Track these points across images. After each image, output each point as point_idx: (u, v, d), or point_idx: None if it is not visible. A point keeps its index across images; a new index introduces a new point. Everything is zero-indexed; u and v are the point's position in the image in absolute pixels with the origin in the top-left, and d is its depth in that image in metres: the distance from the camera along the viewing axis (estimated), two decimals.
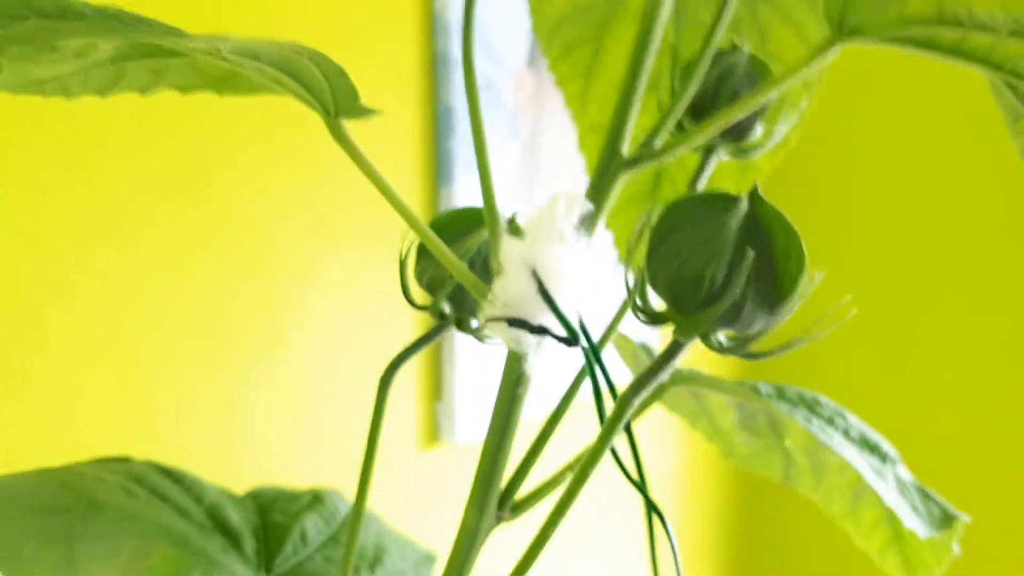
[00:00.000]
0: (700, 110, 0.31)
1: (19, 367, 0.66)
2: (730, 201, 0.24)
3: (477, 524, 0.29)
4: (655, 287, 0.24)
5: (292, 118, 0.78)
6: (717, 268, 0.23)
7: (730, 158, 0.32)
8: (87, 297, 0.69)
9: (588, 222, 0.28)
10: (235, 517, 0.38)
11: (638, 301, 0.25)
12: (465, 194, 0.90)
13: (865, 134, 1.20)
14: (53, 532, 0.35)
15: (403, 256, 0.33)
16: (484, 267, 0.31)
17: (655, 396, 0.34)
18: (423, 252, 0.33)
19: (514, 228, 0.31)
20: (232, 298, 0.78)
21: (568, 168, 0.99)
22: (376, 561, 0.42)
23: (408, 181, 0.89)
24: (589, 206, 0.27)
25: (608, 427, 0.25)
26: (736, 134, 0.31)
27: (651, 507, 0.27)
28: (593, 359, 0.27)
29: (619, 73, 0.43)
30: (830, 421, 0.36)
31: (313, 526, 0.40)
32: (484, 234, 0.32)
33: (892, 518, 0.41)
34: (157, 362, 0.73)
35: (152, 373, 0.73)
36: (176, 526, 0.36)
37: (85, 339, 0.69)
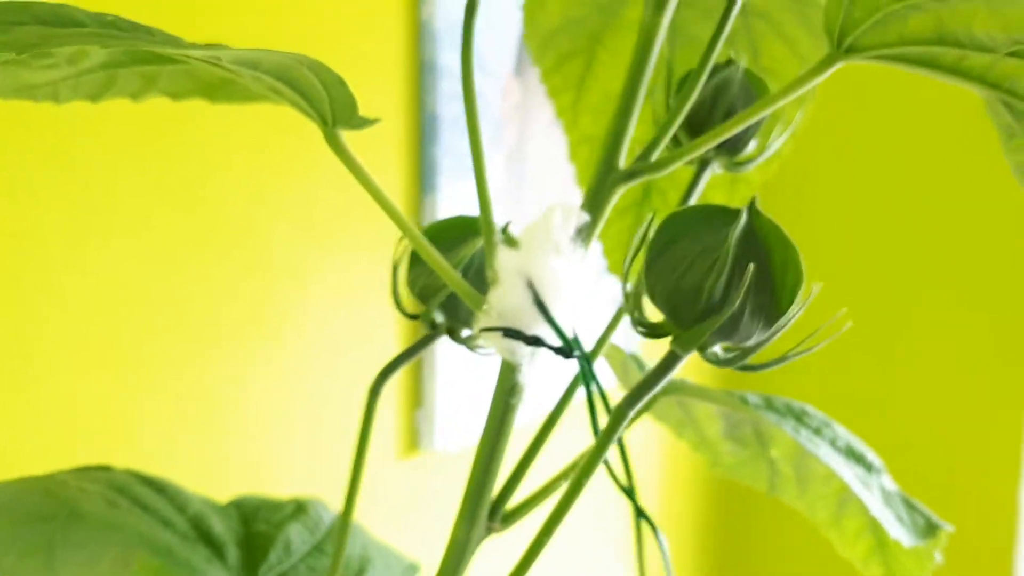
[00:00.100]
0: (696, 123, 0.31)
1: (7, 369, 0.65)
2: (729, 214, 0.24)
3: (468, 534, 0.29)
4: (653, 299, 0.25)
5: (286, 123, 0.78)
6: (716, 281, 0.23)
7: (724, 171, 0.33)
8: (77, 299, 0.68)
9: (584, 233, 0.28)
10: (219, 527, 0.38)
11: (635, 313, 0.25)
12: (449, 202, 0.90)
13: (852, 147, 1.21)
14: (34, 541, 0.35)
15: (395, 264, 0.33)
16: (477, 276, 0.31)
17: (647, 406, 0.34)
18: (415, 260, 0.33)
19: (508, 238, 0.31)
20: (223, 303, 0.77)
21: (554, 177, 1.00)
22: (360, 572, 0.41)
23: (392, 189, 0.89)
24: (585, 217, 0.27)
25: (604, 437, 0.25)
26: (731, 147, 0.32)
27: (640, 514, 0.27)
28: (588, 370, 0.27)
29: (611, 85, 0.44)
30: (817, 431, 0.36)
31: (297, 536, 0.40)
32: (477, 243, 0.32)
33: (876, 527, 0.42)
34: (145, 367, 0.73)
35: (139, 378, 0.73)
36: (159, 536, 0.36)
37: (74, 342, 0.68)
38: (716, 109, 0.31)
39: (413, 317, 0.33)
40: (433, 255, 0.29)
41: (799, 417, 0.36)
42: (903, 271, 1.21)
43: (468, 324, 0.33)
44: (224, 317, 0.78)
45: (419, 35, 0.88)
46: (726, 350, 0.25)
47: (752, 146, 0.33)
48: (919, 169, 1.19)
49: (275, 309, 0.81)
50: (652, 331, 0.25)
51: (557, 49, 0.44)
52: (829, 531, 0.44)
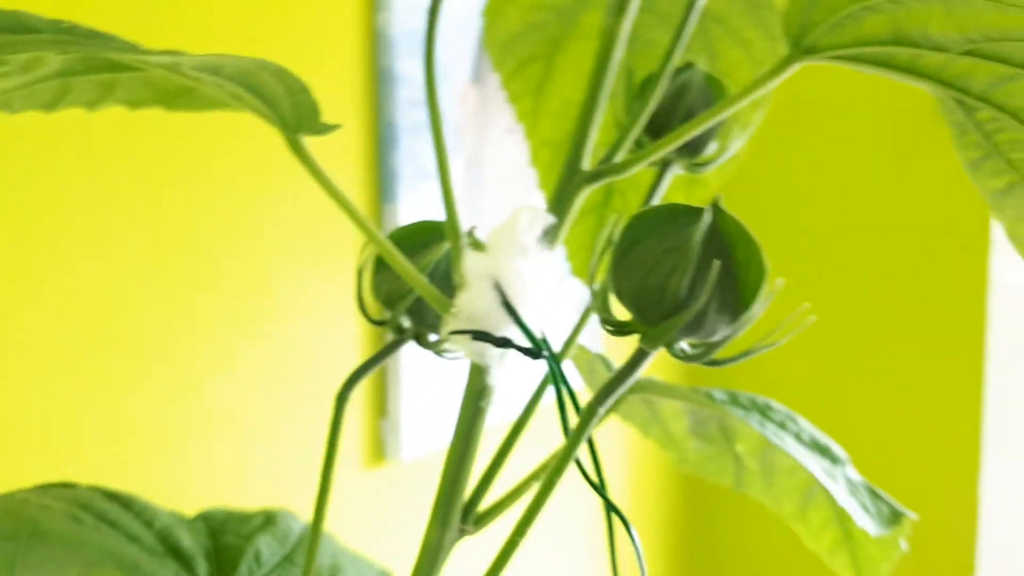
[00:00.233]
0: (656, 126, 0.32)
1: None
2: (693, 213, 0.24)
3: (440, 537, 0.29)
4: (620, 298, 0.25)
5: (244, 132, 0.77)
6: (681, 279, 0.23)
7: (685, 172, 0.33)
8: (24, 314, 0.67)
9: (550, 235, 0.29)
10: (187, 540, 0.38)
11: (603, 312, 0.25)
12: (409, 210, 0.90)
13: (807, 145, 1.23)
14: None
15: (359, 270, 0.33)
16: (444, 280, 0.32)
17: (614, 405, 0.35)
18: (380, 266, 0.33)
19: (474, 242, 0.31)
20: (178, 314, 0.76)
21: (513, 183, 1.00)
22: None
23: (351, 198, 0.89)
24: (551, 219, 0.28)
25: (575, 436, 0.25)
26: (691, 149, 0.32)
27: (611, 510, 0.28)
28: (556, 370, 0.27)
29: (570, 90, 0.44)
30: (782, 425, 0.37)
31: (267, 547, 0.40)
32: (443, 248, 0.32)
33: (841, 518, 0.42)
34: (99, 380, 0.72)
35: (93, 391, 0.71)
36: (126, 552, 0.35)
37: (20, 359, 0.67)
38: (676, 112, 0.31)
39: (379, 323, 0.33)
40: (399, 260, 0.29)
41: (764, 411, 0.37)
42: (859, 265, 1.23)
43: (435, 329, 0.33)
44: (181, 328, 0.77)
45: (375, 43, 0.88)
46: (693, 346, 0.25)
47: (712, 148, 0.33)
48: (871, 166, 1.21)
49: (233, 320, 0.80)
50: (620, 329, 0.25)
51: (516, 55, 0.45)
52: (795, 524, 0.45)
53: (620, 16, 0.29)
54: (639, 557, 0.27)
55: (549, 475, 0.25)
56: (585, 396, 0.29)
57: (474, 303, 0.27)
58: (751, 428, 0.41)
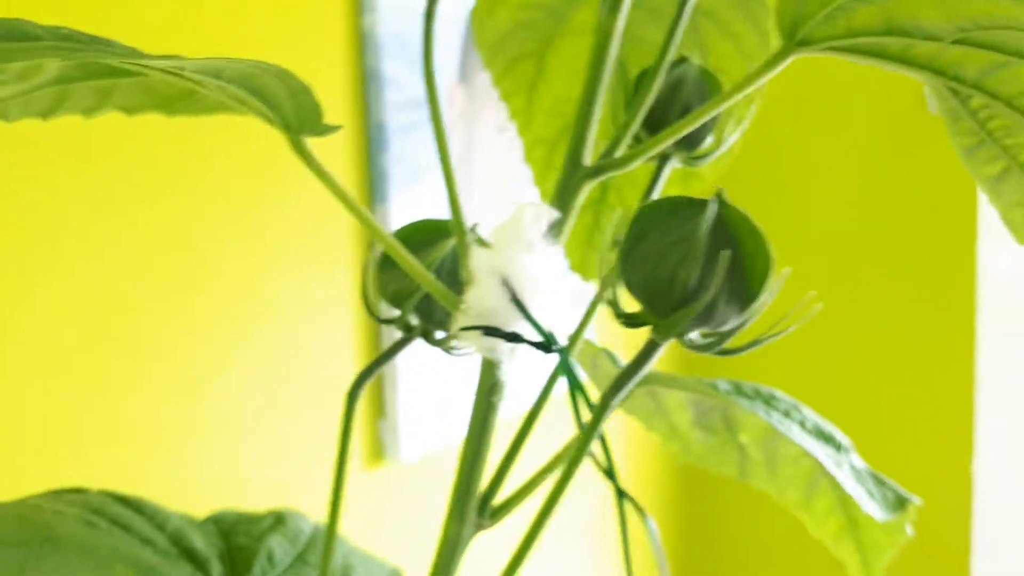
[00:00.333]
0: (653, 121, 0.32)
1: None
2: (698, 205, 0.25)
3: (458, 532, 0.29)
4: (630, 290, 0.25)
5: (241, 137, 0.77)
6: (690, 270, 0.24)
7: (683, 166, 0.34)
8: (23, 316, 0.67)
9: (555, 230, 0.29)
10: (200, 543, 0.38)
11: (615, 305, 0.25)
12: (401, 212, 0.90)
13: (801, 138, 1.24)
14: (6, 568, 0.34)
15: (364, 270, 0.33)
16: (449, 278, 0.32)
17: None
18: (385, 265, 0.34)
19: (478, 240, 0.31)
20: (173, 318, 0.76)
21: (502, 182, 1.00)
22: None
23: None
24: (555, 214, 0.28)
25: (591, 427, 0.26)
26: (689, 143, 0.33)
27: (622, 495, 0.28)
28: (567, 364, 0.28)
29: (562, 87, 0.44)
30: (787, 414, 0.37)
31: (279, 547, 0.40)
32: (446, 245, 0.32)
33: (845, 505, 0.43)
34: (98, 382, 0.72)
35: (92, 393, 0.71)
36: (140, 555, 0.36)
37: (19, 360, 0.67)
38: (673, 106, 0.32)
39: (386, 322, 0.33)
40: (407, 258, 0.29)
41: (768, 401, 0.37)
42: (848, 254, 1.24)
43: (442, 326, 0.33)
44: (179, 330, 0.77)
45: (362, 44, 0.88)
46: (703, 336, 0.25)
47: (708, 141, 0.34)
48: (860, 155, 1.22)
49: (230, 322, 0.80)
50: (631, 321, 0.25)
51: (507, 53, 0.45)
52: (800, 512, 0.45)
53: (615, 13, 0.29)
54: (657, 548, 0.27)
55: (566, 468, 0.26)
56: (590, 389, 0.29)
57: (483, 299, 0.27)
58: (755, 418, 0.42)
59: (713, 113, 0.28)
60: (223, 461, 0.81)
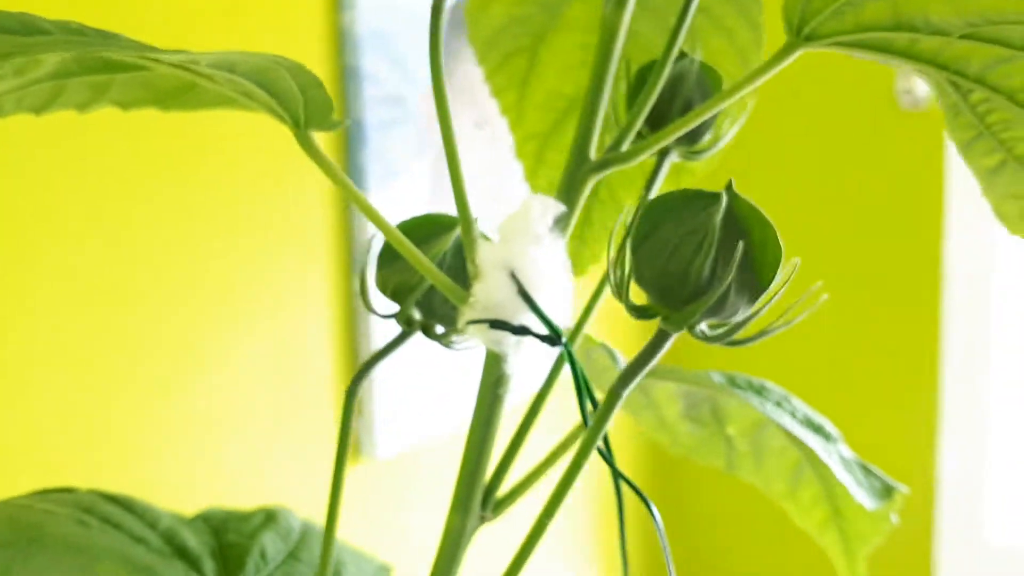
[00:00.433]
0: (654, 115, 0.32)
1: None
2: (707, 197, 0.25)
3: (462, 525, 0.29)
4: (641, 283, 0.25)
5: (228, 137, 0.77)
6: (704, 261, 0.24)
7: (682, 160, 0.34)
8: (3, 320, 0.66)
9: (561, 224, 0.29)
10: (192, 541, 0.38)
11: (626, 297, 0.26)
12: (379, 206, 0.90)
13: (768, 135, 1.25)
14: None
15: (363, 265, 0.33)
16: (451, 272, 0.32)
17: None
18: (385, 260, 0.34)
19: (480, 234, 0.31)
20: (150, 322, 0.75)
21: (480, 181, 1.00)
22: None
23: (319, 196, 0.88)
24: (562, 208, 0.28)
25: (600, 420, 0.26)
26: (689, 138, 0.33)
27: (619, 477, 0.28)
28: (573, 358, 0.28)
29: (555, 82, 0.45)
30: (778, 405, 0.38)
31: (271, 544, 0.40)
32: (447, 240, 0.32)
33: (831, 495, 0.44)
34: (79, 381, 0.70)
35: (74, 392, 0.70)
36: (133, 553, 0.35)
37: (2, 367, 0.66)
38: (674, 102, 0.32)
39: (388, 316, 0.33)
40: (414, 253, 0.29)
41: (760, 392, 0.38)
42: (818, 248, 1.26)
43: (443, 320, 0.33)
44: (152, 331, 0.76)
45: (340, 41, 0.87)
46: (711, 327, 0.26)
47: (707, 136, 0.34)
48: (833, 155, 1.24)
49: (203, 324, 0.80)
50: (641, 313, 0.25)
51: (501, 49, 0.45)
52: (785, 502, 0.46)
53: (621, 7, 0.30)
54: (661, 537, 0.27)
55: (573, 460, 0.26)
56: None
57: (490, 292, 0.27)
58: (744, 409, 0.42)
59: (719, 108, 0.28)
60: (202, 460, 0.80)
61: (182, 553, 0.37)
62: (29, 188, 0.68)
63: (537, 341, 0.28)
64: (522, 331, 0.27)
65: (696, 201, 0.25)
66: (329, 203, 0.89)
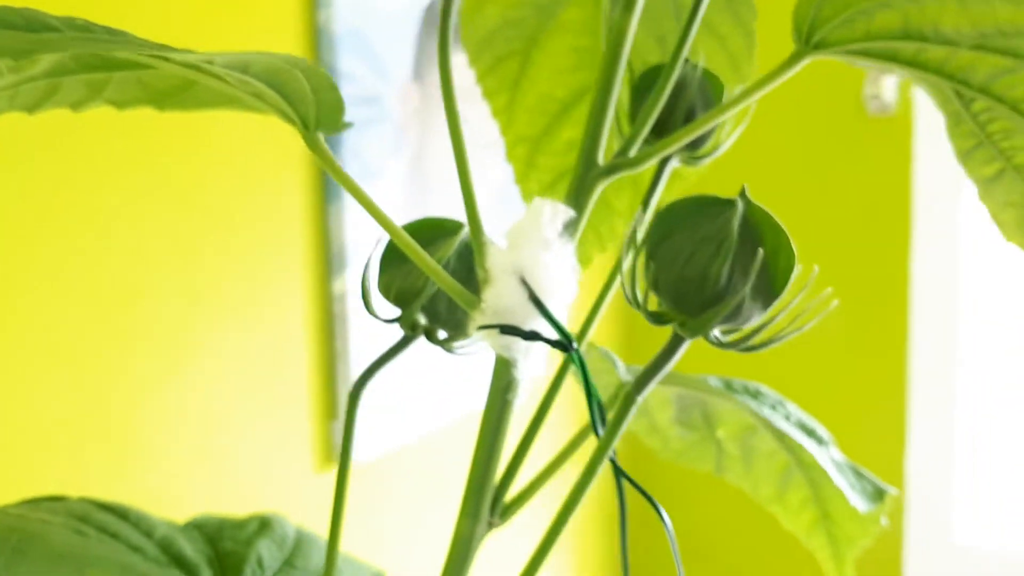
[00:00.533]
0: (657, 121, 0.33)
1: None
2: (721, 203, 0.25)
3: (472, 531, 0.29)
4: (656, 289, 0.26)
5: (217, 137, 0.76)
6: (721, 267, 0.24)
7: (683, 166, 0.34)
8: None
9: (570, 228, 0.29)
10: (188, 549, 0.37)
11: (644, 303, 0.26)
12: (355, 210, 0.89)
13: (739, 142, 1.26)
14: None
15: (365, 269, 0.33)
16: (456, 276, 0.32)
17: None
18: (387, 265, 0.33)
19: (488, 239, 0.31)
20: (116, 324, 0.74)
21: (452, 182, 1.00)
22: None
23: (294, 198, 0.88)
24: (571, 213, 0.28)
25: (614, 424, 0.26)
26: (692, 142, 0.33)
27: (621, 482, 0.28)
28: (582, 362, 0.28)
29: (547, 85, 0.45)
30: (773, 409, 0.38)
31: (268, 552, 0.39)
32: (451, 244, 0.32)
33: (819, 498, 0.44)
34: (45, 389, 0.69)
35: (38, 400, 0.69)
36: (131, 562, 0.35)
37: None
38: (677, 107, 0.32)
39: (390, 321, 0.33)
40: (424, 257, 0.29)
41: (755, 396, 0.38)
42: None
43: (446, 325, 0.33)
44: (120, 338, 0.75)
45: (317, 40, 0.87)
46: (723, 333, 0.26)
47: (707, 141, 0.34)
48: (801, 162, 1.26)
49: (173, 329, 0.78)
50: (657, 319, 0.26)
51: (493, 51, 0.45)
52: (773, 506, 0.46)
53: (629, 12, 0.30)
54: (671, 540, 0.27)
55: (587, 466, 0.26)
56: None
57: (501, 298, 0.27)
58: (735, 414, 0.43)
59: (728, 115, 0.28)
60: (170, 466, 0.79)
61: (179, 562, 0.36)
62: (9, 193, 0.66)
63: (547, 346, 0.28)
64: (533, 336, 0.27)
65: (710, 207, 0.25)
66: (303, 203, 0.88)
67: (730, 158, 1.41)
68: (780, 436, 0.41)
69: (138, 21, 0.73)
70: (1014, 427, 1.28)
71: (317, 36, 0.86)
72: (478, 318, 0.27)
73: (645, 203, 0.33)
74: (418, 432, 0.98)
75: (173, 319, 0.78)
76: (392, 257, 0.33)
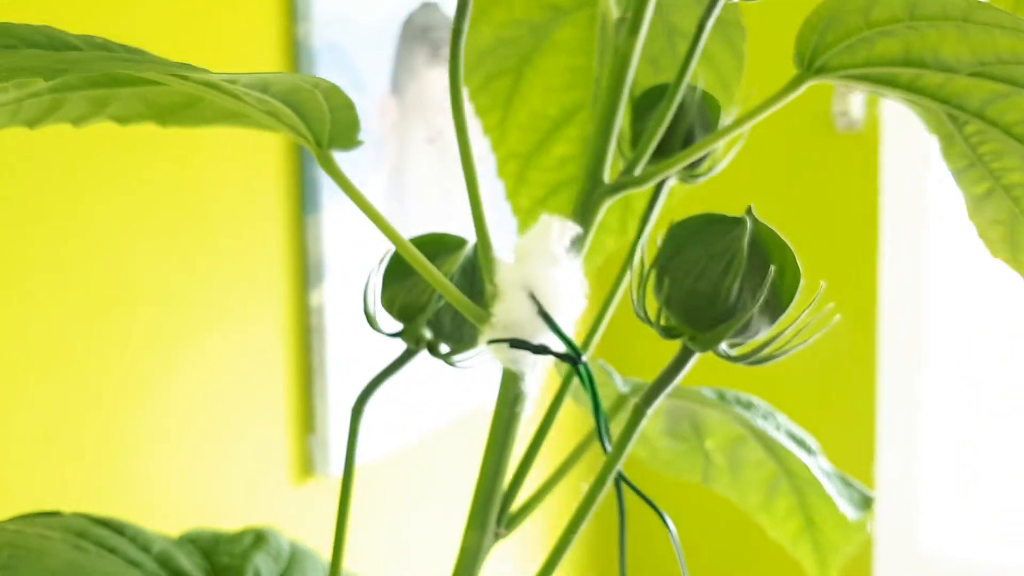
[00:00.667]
0: (658, 142, 0.33)
1: None
2: (729, 221, 0.26)
3: (479, 542, 0.29)
4: (666, 303, 0.26)
5: (168, 156, 0.75)
6: (733, 282, 0.25)
7: (680, 183, 0.35)
8: None
9: (577, 244, 0.30)
10: (186, 563, 0.37)
11: (658, 318, 0.26)
12: (332, 222, 0.89)
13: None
14: None
15: (367, 284, 0.33)
16: (461, 291, 0.32)
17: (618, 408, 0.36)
18: (391, 279, 0.34)
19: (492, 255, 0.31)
20: (88, 330, 0.73)
21: (434, 192, 1.00)
22: None
23: (271, 210, 0.87)
24: (578, 229, 0.29)
25: (624, 436, 0.27)
26: (692, 163, 0.34)
27: (621, 487, 0.29)
28: (589, 376, 0.28)
29: (539, 103, 0.45)
30: (764, 419, 0.39)
31: (264, 565, 0.39)
32: (455, 258, 0.33)
33: (804, 506, 0.45)
34: (18, 403, 0.68)
35: (13, 414, 0.68)
36: None
37: None
38: (678, 128, 0.33)
39: (395, 335, 0.33)
40: (433, 272, 0.29)
41: (747, 407, 0.39)
42: None
43: (450, 339, 0.33)
44: (99, 349, 0.74)
45: (295, 54, 0.87)
46: (731, 347, 0.27)
47: (704, 161, 0.35)
48: (769, 176, 1.28)
49: (149, 342, 0.78)
50: (667, 333, 0.26)
51: (486, 69, 0.46)
52: (760, 515, 0.47)
53: (634, 35, 0.31)
54: (676, 548, 0.28)
55: (599, 475, 0.26)
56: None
57: (510, 312, 0.28)
58: (723, 424, 0.44)
59: (730, 136, 0.29)
60: (146, 479, 0.78)
61: None
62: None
63: (556, 360, 0.28)
64: (542, 350, 0.28)
65: (719, 225, 0.26)
66: (280, 216, 0.88)
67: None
68: (770, 446, 0.42)
69: (117, 33, 0.73)
70: (981, 434, 1.31)
71: (296, 50, 0.87)
72: (487, 332, 0.28)
73: (644, 220, 0.34)
74: (395, 445, 0.98)
75: (148, 331, 0.77)
76: (397, 271, 0.33)
